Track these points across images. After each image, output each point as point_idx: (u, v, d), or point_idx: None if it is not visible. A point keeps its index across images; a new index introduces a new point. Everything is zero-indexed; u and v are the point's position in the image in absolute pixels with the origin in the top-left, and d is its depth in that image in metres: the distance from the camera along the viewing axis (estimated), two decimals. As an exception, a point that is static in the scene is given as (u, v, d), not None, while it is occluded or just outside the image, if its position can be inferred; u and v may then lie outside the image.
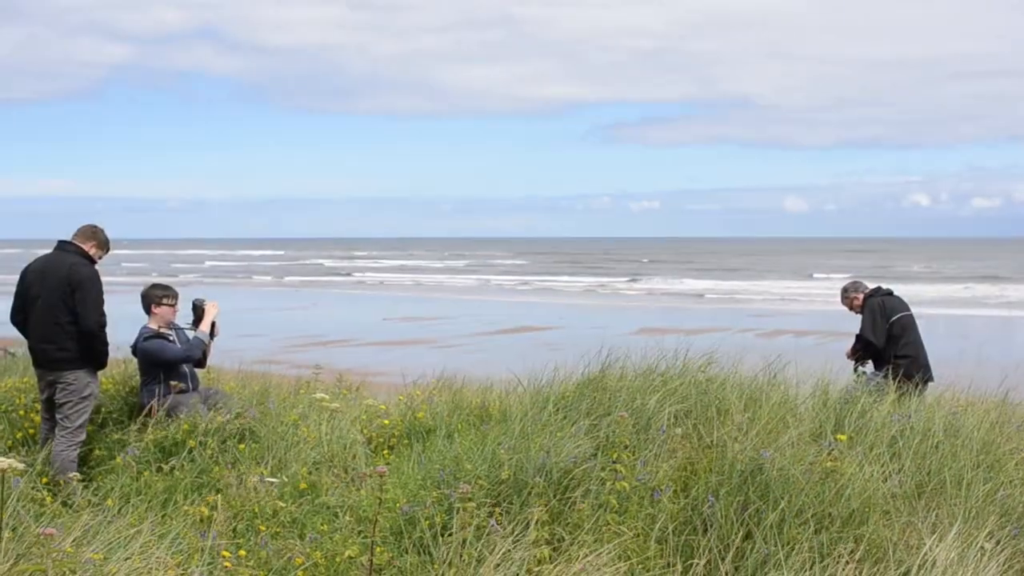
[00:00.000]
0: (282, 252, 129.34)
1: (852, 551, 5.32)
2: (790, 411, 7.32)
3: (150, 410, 7.96)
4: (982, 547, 5.33)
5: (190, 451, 7.22)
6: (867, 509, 5.66)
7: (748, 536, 5.49)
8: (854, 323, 10.17)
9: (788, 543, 5.34)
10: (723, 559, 5.33)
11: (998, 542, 5.54)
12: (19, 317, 7.78)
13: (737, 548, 5.41)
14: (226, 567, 5.14)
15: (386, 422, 8.27)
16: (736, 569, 5.33)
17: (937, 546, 5.21)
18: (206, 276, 68.97)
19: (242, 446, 7.32)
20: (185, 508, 6.07)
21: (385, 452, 7.84)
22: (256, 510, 6.24)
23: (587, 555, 5.18)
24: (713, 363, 8.22)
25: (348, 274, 74.91)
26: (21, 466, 4.03)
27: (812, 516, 5.51)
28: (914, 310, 10.19)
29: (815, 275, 67.38)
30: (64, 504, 6.22)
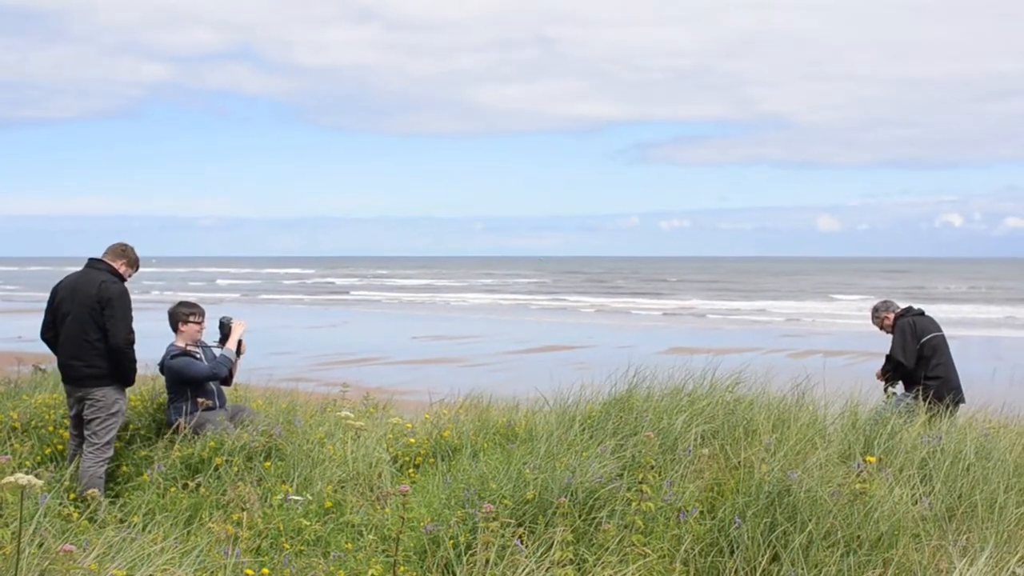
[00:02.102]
0: (312, 271, 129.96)
1: (881, 575, 5.25)
2: (818, 432, 7.25)
3: (177, 427, 7.99)
4: (1014, 572, 5.25)
5: (216, 468, 7.24)
6: (896, 532, 5.58)
7: (775, 559, 5.44)
8: (884, 343, 10.08)
9: (816, 566, 5.28)
10: (749, 582, 5.28)
11: (1030, 567, 5.45)
12: (49, 334, 7.85)
13: (764, 570, 5.36)
14: (249, 585, 5.13)
15: (412, 441, 8.26)
16: (763, 592, 5.27)
17: (968, 570, 5.13)
18: (217, 293, 69.00)
19: (268, 464, 7.33)
20: (210, 525, 6.07)
21: (411, 471, 7.84)
22: (281, 528, 6.25)
23: (611, 576, 5.14)
24: (741, 383, 8.17)
25: (345, 292, 75.15)
26: (40, 482, 4.04)
27: (840, 539, 5.45)
28: (946, 331, 10.08)
29: (845, 296, 66.85)
30: (90, 520, 6.24)
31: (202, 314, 8.54)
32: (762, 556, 5.43)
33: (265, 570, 5.40)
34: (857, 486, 5.79)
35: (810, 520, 5.50)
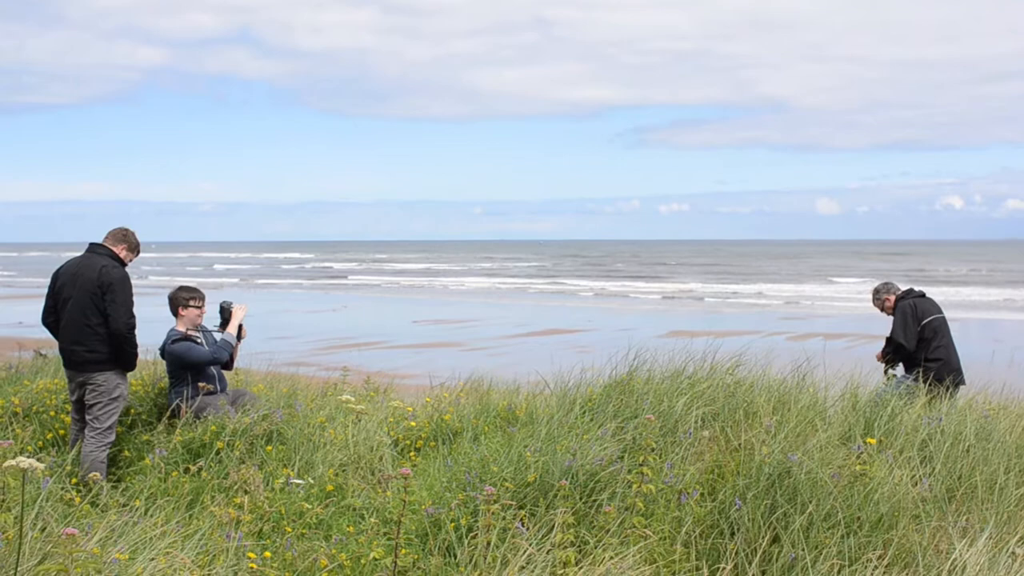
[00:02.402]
0: (310, 255, 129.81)
1: (881, 556, 5.27)
2: (819, 414, 7.26)
3: (178, 411, 8.00)
4: (1013, 552, 5.26)
5: (217, 452, 7.25)
6: (896, 513, 5.60)
7: (775, 540, 5.45)
8: (885, 325, 10.08)
9: (816, 547, 5.30)
10: (750, 563, 5.29)
11: (1030, 547, 5.47)
12: (50, 319, 7.85)
13: (764, 552, 5.37)
14: (251, 568, 5.15)
15: (413, 424, 8.27)
16: (763, 573, 5.29)
17: (967, 551, 5.15)
18: (215, 278, 68.91)
19: (269, 448, 7.34)
20: (211, 509, 6.08)
21: (412, 454, 7.85)
22: (282, 511, 6.26)
23: (612, 558, 5.16)
24: (741, 366, 8.18)
25: (344, 276, 75.07)
26: (42, 466, 4.05)
27: (840, 520, 5.46)
28: (946, 313, 10.08)
29: (845, 278, 66.83)
30: (92, 504, 6.25)
31: (202, 298, 8.54)
32: (762, 538, 5.44)
33: (267, 553, 5.42)
34: (857, 468, 5.80)
35: (810, 502, 5.52)
